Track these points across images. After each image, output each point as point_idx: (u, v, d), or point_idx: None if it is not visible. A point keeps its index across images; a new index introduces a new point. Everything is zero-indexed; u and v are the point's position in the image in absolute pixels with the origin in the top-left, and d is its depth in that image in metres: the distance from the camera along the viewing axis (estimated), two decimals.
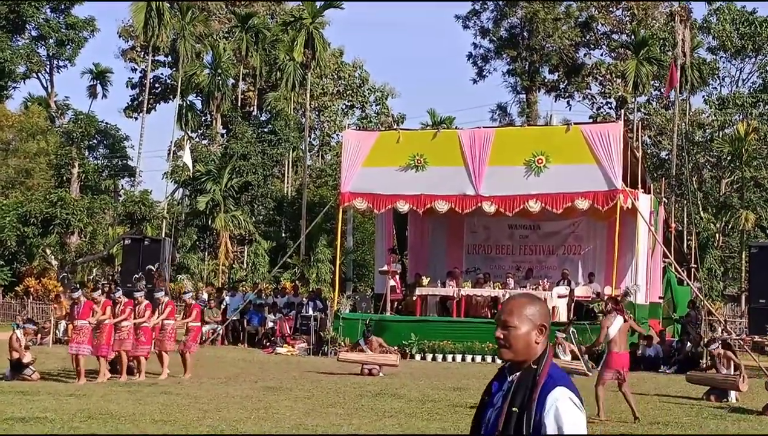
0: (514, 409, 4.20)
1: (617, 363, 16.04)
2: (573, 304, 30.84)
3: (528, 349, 4.33)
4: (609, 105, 72.85)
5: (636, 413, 15.89)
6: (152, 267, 31.16)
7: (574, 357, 23.12)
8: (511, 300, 4.51)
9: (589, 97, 74.31)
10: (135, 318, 21.70)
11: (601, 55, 73.51)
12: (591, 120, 60.53)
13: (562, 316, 30.18)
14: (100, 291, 22.55)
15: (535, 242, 35.18)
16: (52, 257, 50.55)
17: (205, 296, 37.88)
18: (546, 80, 73.53)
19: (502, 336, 4.38)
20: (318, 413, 15.93)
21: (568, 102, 74.15)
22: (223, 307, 35.92)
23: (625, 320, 16.40)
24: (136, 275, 29.98)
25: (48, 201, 49.33)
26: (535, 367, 4.28)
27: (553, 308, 30.48)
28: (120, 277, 34.94)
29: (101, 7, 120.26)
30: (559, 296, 30.97)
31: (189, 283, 42.61)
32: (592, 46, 72.97)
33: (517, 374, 4.32)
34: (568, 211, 31.27)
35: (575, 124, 31.77)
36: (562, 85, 73.47)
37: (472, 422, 4.46)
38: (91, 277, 53.20)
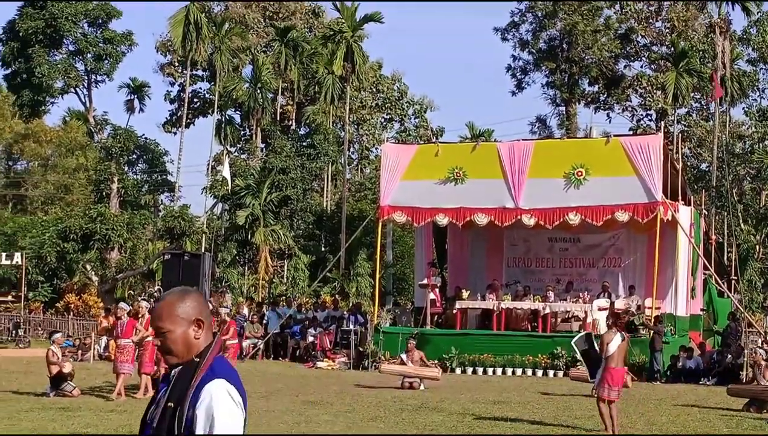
0: (170, 404, 3.94)
1: (615, 379, 15.86)
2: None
3: (190, 348, 4.04)
4: (649, 117, 72.41)
5: (615, 429, 15.64)
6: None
7: None
8: (158, 303, 4.17)
9: (629, 109, 73.90)
10: None
11: (641, 66, 73.14)
12: (631, 132, 60.14)
13: (603, 329, 29.94)
14: (147, 303, 22.68)
15: (575, 255, 34.97)
16: (92, 272, 50.86)
17: (246, 311, 37.91)
18: (585, 92, 73.23)
19: (160, 344, 4.09)
20: (358, 427, 15.89)
21: (607, 114, 73.84)
22: (264, 321, 35.99)
23: (623, 339, 16.29)
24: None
25: (87, 217, 49.65)
26: (198, 360, 4.01)
27: (594, 320, 30.32)
28: (161, 292, 35.06)
29: (138, 22, 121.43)
30: (600, 309, 30.75)
31: (230, 298, 42.65)
32: (632, 58, 72.61)
33: (179, 368, 4.04)
34: (608, 223, 31.10)
35: (615, 136, 31.62)
36: (601, 98, 73.13)
37: (140, 423, 4.18)
38: (136, 292, 53.51)
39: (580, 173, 30.53)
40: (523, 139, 33.94)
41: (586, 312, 30.65)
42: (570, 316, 31.60)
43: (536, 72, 72.69)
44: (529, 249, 35.49)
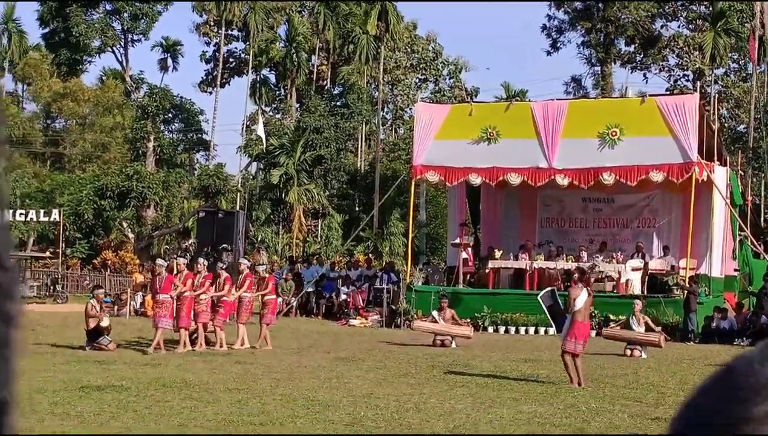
0: None
1: (581, 333, 16.20)
2: (647, 277, 30.55)
3: None
4: (686, 78, 71.69)
5: (582, 381, 16.14)
6: (228, 248, 31.45)
7: (648, 329, 22.98)
8: None
9: (666, 69, 73.21)
10: (215, 290, 22.10)
11: (678, 26, 72.33)
12: (667, 93, 59.72)
13: (636, 289, 29.96)
14: (184, 259, 23.01)
15: (609, 215, 34.84)
16: (129, 229, 51.31)
17: (285, 270, 38.05)
18: (621, 52, 72.55)
19: None
20: (389, 383, 16.01)
21: (644, 74, 73.14)
22: (301, 280, 36.22)
23: (589, 294, 16.57)
24: (224, 246, 30.39)
25: (124, 175, 50.03)
26: None
27: (627, 281, 30.28)
28: (195, 249, 35.34)
29: None
30: (633, 269, 30.70)
31: (265, 256, 42.93)
32: (669, 18, 71.80)
33: None
34: (642, 184, 30.94)
35: (650, 96, 31.37)
36: (638, 58, 72.44)
37: None
38: (184, 244, 53.93)
39: (614, 133, 30.37)
40: (557, 99, 33.76)
41: (619, 272, 30.58)
42: (603, 276, 31.52)
43: (572, 31, 72.06)
44: (563, 209, 35.39)
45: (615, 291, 30.59)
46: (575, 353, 16.20)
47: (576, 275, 17.39)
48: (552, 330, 29.55)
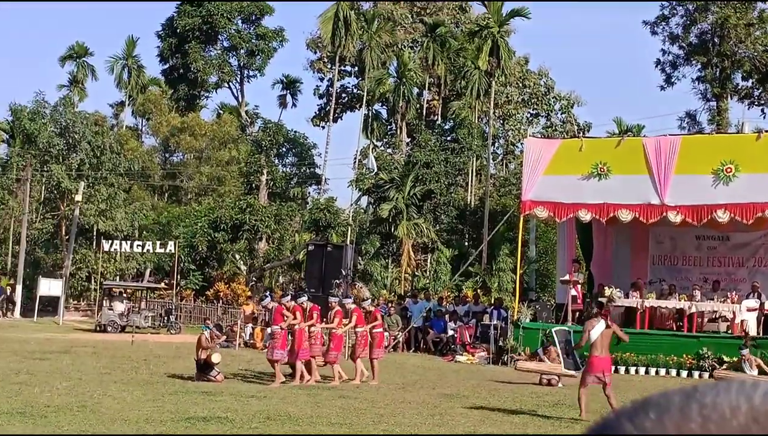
0: None
1: (597, 367, 16.03)
2: (763, 318, 29.79)
3: None
4: None
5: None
6: (338, 281, 31.76)
7: (761, 372, 22.39)
8: None
9: None
10: (325, 323, 22.30)
11: None
12: None
13: (752, 330, 29.25)
14: (289, 297, 23.26)
15: (724, 254, 34.10)
16: (241, 262, 52.01)
17: (391, 307, 38.16)
18: (738, 87, 71.20)
19: None
20: (492, 422, 15.87)
21: (762, 110, 71.58)
22: (408, 315, 36.25)
23: (608, 326, 16.28)
24: (336, 281, 30.66)
25: (237, 208, 50.79)
26: None
27: (742, 321, 29.58)
28: (304, 282, 35.69)
29: (289, 19, 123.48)
30: (749, 310, 29.97)
31: (366, 290, 43.12)
32: None
33: None
34: (759, 221, 30.21)
35: (767, 131, 30.69)
36: (755, 93, 70.99)
37: None
38: (280, 282, 54.49)
39: (729, 170, 29.74)
40: (669, 135, 33.27)
41: (734, 312, 29.90)
42: (717, 316, 30.88)
43: (686, 66, 70.99)
44: (676, 247, 34.78)
45: (729, 332, 29.92)
46: (604, 384, 16.12)
47: (594, 310, 17.32)
48: (663, 371, 29.09)
